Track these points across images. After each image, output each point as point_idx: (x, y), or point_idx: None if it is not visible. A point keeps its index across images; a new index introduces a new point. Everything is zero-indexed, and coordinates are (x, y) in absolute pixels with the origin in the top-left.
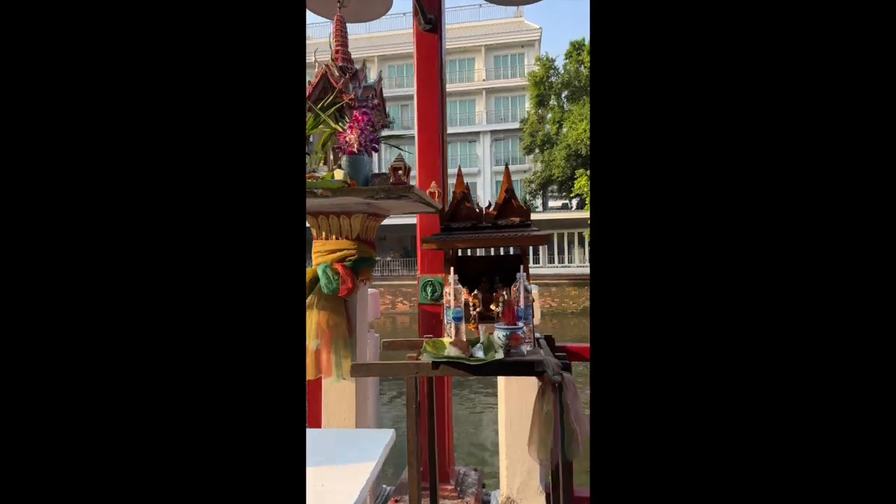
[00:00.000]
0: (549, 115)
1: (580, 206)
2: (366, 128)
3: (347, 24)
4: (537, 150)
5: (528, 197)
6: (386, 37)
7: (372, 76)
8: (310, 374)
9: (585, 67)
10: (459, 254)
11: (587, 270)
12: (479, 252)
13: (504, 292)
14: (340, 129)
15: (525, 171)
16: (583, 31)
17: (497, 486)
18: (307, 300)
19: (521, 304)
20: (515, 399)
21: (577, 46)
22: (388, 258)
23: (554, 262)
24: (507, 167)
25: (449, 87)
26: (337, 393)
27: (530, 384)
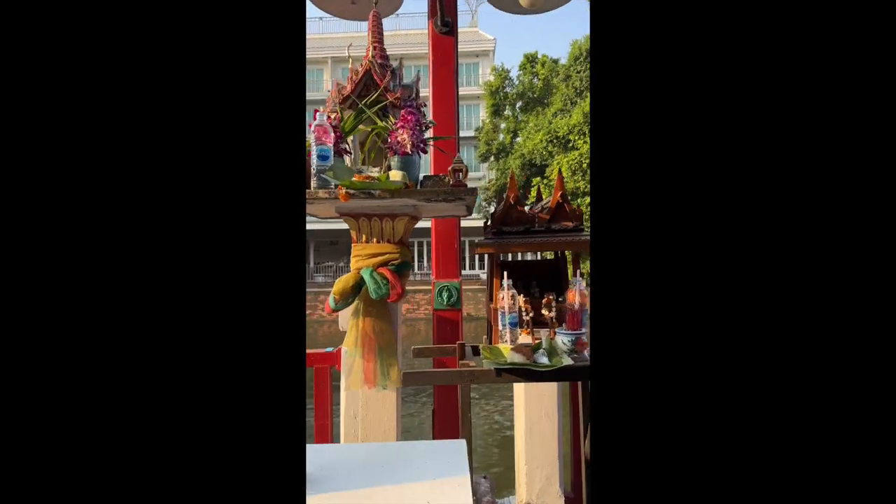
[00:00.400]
0: (504, 125)
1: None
2: (415, 128)
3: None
4: (492, 159)
5: (483, 203)
6: (339, 38)
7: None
8: (355, 385)
9: (539, 79)
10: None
11: None
12: (507, 257)
13: (550, 296)
14: (389, 128)
15: (480, 179)
16: (536, 44)
17: (507, 492)
18: (352, 307)
19: (582, 307)
20: (535, 404)
21: (530, 59)
22: (342, 263)
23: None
24: (560, 174)
25: None
26: (377, 403)
27: (550, 389)
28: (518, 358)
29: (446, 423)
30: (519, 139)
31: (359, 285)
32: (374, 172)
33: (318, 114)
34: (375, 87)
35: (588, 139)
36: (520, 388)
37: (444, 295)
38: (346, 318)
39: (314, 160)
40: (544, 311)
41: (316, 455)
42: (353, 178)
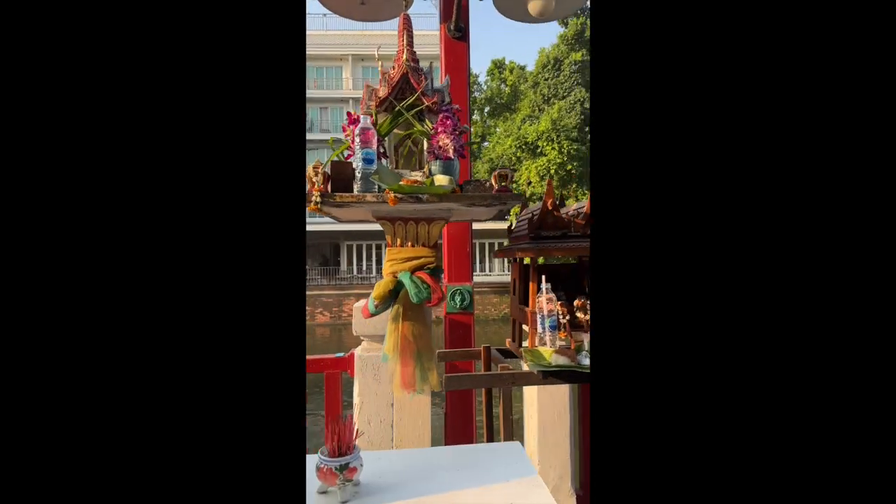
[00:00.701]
0: (472, 130)
1: (500, 218)
2: (454, 132)
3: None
4: None
5: None
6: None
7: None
8: (397, 390)
9: (507, 85)
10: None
11: (506, 279)
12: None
13: (583, 299)
14: (428, 133)
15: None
16: (502, 51)
17: None
18: (392, 312)
19: None
20: (548, 405)
21: (498, 65)
22: (306, 266)
23: (476, 271)
24: None
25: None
26: (411, 408)
27: (562, 390)
28: (563, 360)
29: (458, 427)
30: (487, 144)
31: (396, 290)
32: (417, 176)
33: (361, 117)
34: (411, 90)
35: (556, 146)
36: (531, 390)
37: (457, 298)
38: (361, 323)
39: (358, 163)
40: (579, 314)
41: (373, 462)
42: (401, 182)
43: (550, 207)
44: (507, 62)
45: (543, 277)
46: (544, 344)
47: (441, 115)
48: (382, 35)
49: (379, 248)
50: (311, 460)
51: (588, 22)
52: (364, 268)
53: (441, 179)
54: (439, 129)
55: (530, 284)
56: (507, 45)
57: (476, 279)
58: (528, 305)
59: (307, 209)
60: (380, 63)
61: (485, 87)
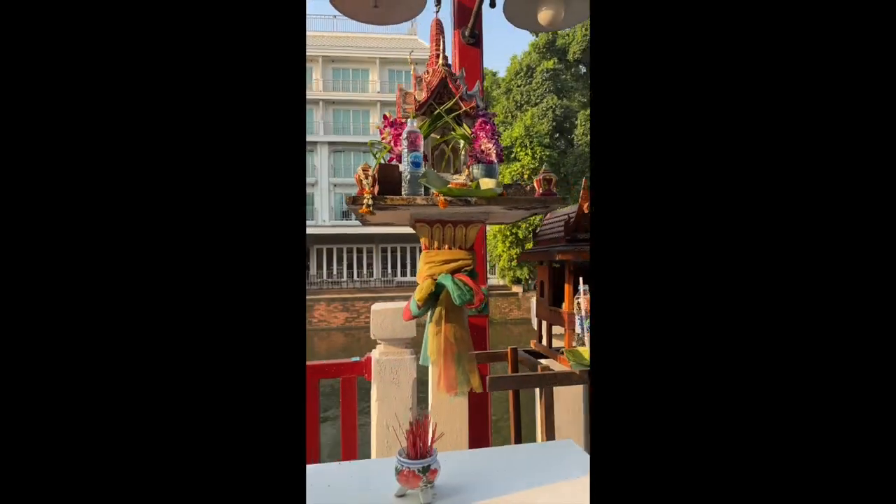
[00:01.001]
0: None
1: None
2: (493, 136)
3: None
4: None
5: None
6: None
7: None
8: (437, 394)
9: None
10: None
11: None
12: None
13: None
14: (469, 137)
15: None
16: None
17: None
18: (434, 315)
19: None
20: (561, 405)
21: None
22: None
23: None
24: None
25: (344, 96)
26: (449, 410)
27: (575, 391)
28: None
29: (476, 430)
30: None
31: (436, 293)
32: (460, 179)
33: (407, 120)
34: (449, 95)
35: (529, 151)
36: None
37: None
38: (380, 326)
39: (406, 166)
40: None
41: (443, 462)
42: (449, 185)
43: (586, 210)
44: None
45: (581, 279)
46: (583, 344)
47: (479, 120)
48: (392, 38)
49: (350, 251)
50: (321, 468)
51: (558, 32)
52: (335, 272)
53: (488, 183)
54: (480, 134)
55: (566, 286)
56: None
57: None
58: (560, 307)
59: (359, 212)
60: (413, 67)
61: None
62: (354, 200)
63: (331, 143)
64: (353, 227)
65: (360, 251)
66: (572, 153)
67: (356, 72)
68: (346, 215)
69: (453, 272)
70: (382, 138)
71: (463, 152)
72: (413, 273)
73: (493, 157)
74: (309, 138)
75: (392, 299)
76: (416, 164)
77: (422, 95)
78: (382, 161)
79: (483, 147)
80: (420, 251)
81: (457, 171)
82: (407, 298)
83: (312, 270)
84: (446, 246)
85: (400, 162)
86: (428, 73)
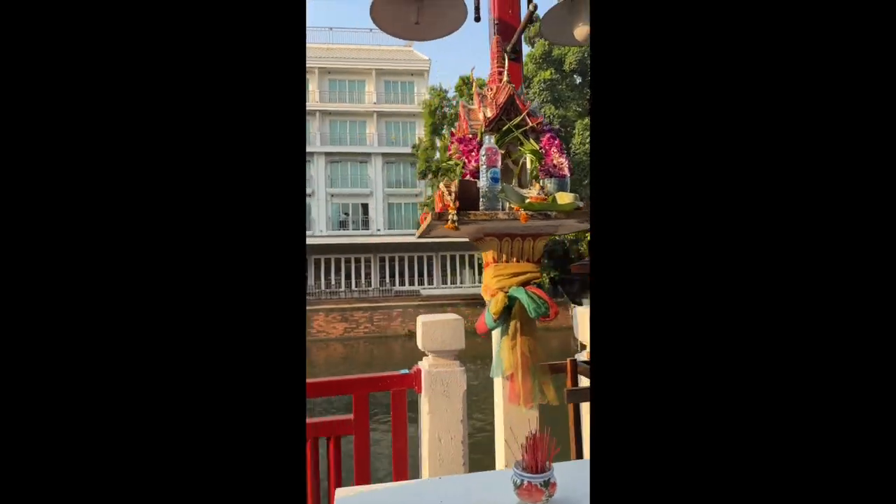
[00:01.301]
0: (440, 143)
1: None
2: (562, 151)
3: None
4: (431, 176)
5: None
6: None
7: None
8: (510, 406)
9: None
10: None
11: (478, 290)
12: None
13: None
14: (539, 152)
15: (417, 195)
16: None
17: None
18: (511, 328)
19: None
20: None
21: (466, 81)
22: None
23: (447, 284)
24: None
25: (341, 107)
26: (520, 423)
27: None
28: None
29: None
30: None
31: (509, 305)
32: (534, 193)
33: (486, 137)
34: (516, 111)
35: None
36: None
37: None
38: (430, 338)
39: (484, 182)
40: None
41: (560, 472)
42: (528, 200)
43: None
44: (474, 77)
45: None
46: None
47: (547, 135)
48: (387, 50)
49: (348, 261)
50: (424, 484)
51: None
52: (333, 282)
53: (565, 197)
54: (550, 149)
55: None
56: (471, 61)
57: (446, 291)
58: None
59: (445, 227)
60: (475, 83)
61: (454, 103)
62: (440, 216)
63: (327, 154)
64: (350, 237)
65: (357, 261)
66: (570, 161)
67: (352, 83)
68: (342, 225)
69: (523, 284)
70: (450, 154)
71: (531, 167)
72: (411, 283)
73: (566, 171)
74: (306, 149)
75: (391, 309)
76: (494, 180)
77: (490, 112)
78: (457, 177)
79: (555, 161)
80: (418, 260)
81: (522, 186)
82: (406, 308)
83: (310, 281)
84: (514, 259)
85: (473, 177)
86: (492, 89)
